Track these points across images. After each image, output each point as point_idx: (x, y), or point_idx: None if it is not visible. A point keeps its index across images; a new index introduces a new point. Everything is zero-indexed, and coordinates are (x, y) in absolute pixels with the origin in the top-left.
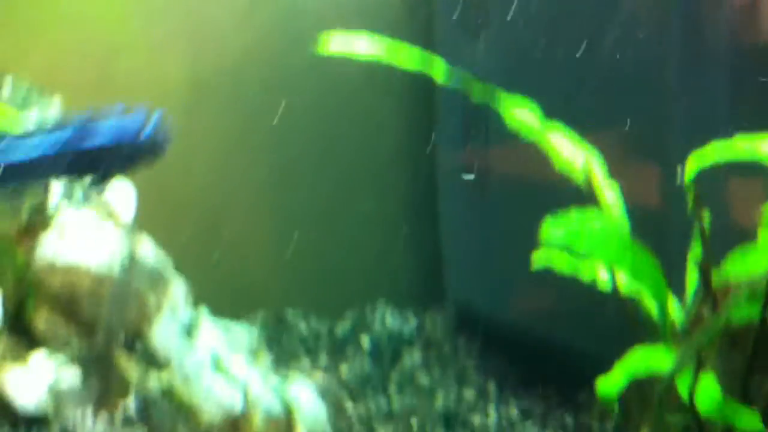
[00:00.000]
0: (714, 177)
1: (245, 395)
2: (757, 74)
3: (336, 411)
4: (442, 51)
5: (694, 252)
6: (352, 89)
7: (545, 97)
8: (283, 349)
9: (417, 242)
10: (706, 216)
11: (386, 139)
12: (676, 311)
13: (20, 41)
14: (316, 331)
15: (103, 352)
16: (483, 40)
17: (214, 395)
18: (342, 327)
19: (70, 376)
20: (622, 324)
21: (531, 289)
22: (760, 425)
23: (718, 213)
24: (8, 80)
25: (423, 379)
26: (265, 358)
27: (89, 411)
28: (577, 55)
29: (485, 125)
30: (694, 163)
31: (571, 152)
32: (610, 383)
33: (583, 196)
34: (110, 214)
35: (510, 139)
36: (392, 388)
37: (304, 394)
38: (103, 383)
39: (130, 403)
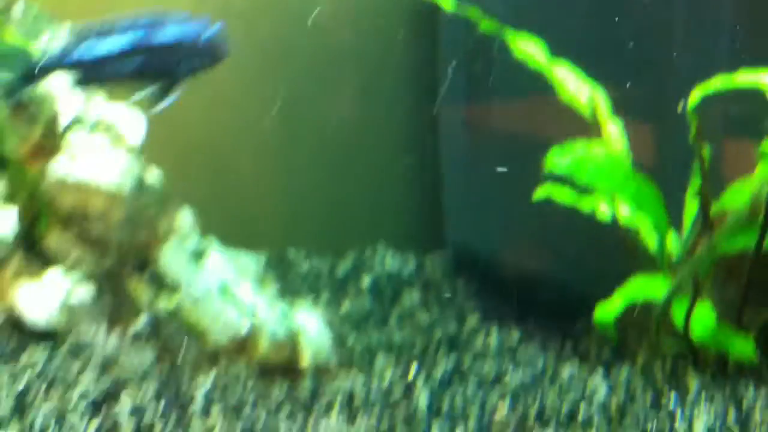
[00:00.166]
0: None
1: (252, 319)
2: (760, 9)
3: (338, 342)
4: None
5: (694, 183)
6: (358, 33)
7: (549, 32)
8: (285, 286)
9: (418, 187)
10: (706, 147)
11: (390, 88)
12: (674, 243)
13: None
14: (318, 270)
15: (114, 271)
16: None
17: (221, 318)
18: (343, 267)
19: (81, 293)
20: (616, 262)
21: (528, 231)
22: (752, 352)
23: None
24: (20, 4)
25: (422, 317)
26: (271, 287)
27: (100, 328)
28: None
29: (487, 77)
30: (698, 94)
31: (576, 86)
32: (608, 309)
33: None
34: (119, 138)
35: (509, 94)
36: (392, 324)
37: (309, 320)
38: (114, 302)
39: (141, 322)
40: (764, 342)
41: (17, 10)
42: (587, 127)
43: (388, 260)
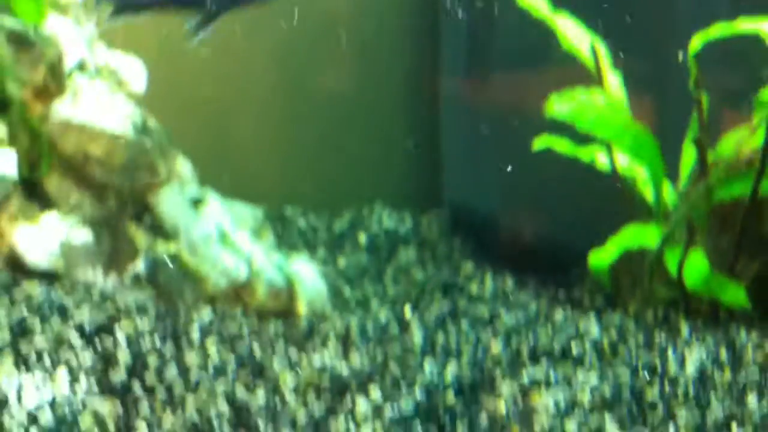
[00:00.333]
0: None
1: (249, 266)
2: None
3: (334, 294)
4: None
5: (692, 131)
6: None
7: None
8: (282, 241)
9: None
10: (704, 95)
11: (390, 47)
12: (670, 193)
13: None
14: (315, 228)
15: (114, 216)
16: None
17: (219, 264)
18: (340, 225)
19: (80, 236)
20: (611, 219)
21: (525, 191)
22: (745, 299)
23: None
24: None
25: (418, 274)
26: (269, 237)
27: (99, 270)
28: None
29: (486, 44)
30: (698, 41)
31: (577, 36)
32: (602, 255)
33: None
34: (122, 84)
35: (508, 58)
36: (388, 279)
37: (306, 270)
38: (113, 246)
39: (139, 266)
40: (756, 292)
41: None
42: None
43: (385, 219)
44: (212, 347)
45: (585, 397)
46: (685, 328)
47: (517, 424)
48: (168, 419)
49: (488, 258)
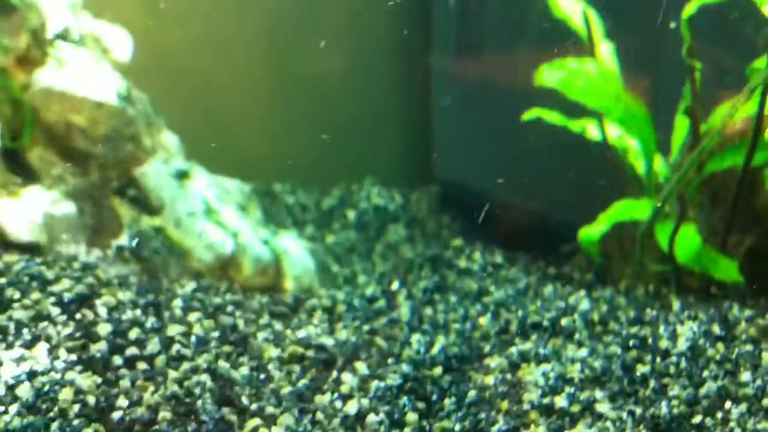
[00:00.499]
0: None
1: (235, 241)
2: None
3: (322, 270)
4: None
5: (684, 102)
6: None
7: None
8: (270, 217)
9: (407, 125)
10: (697, 63)
11: (383, 26)
12: (662, 166)
13: None
14: (304, 204)
15: (98, 188)
16: None
17: (205, 238)
18: (328, 201)
19: (63, 208)
20: (601, 196)
21: (515, 168)
22: (737, 274)
23: None
24: None
25: (408, 251)
26: (256, 213)
27: (82, 243)
28: None
29: (477, 21)
30: (693, 5)
31: (569, 4)
32: (592, 230)
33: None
34: (107, 52)
35: (497, 43)
36: (377, 256)
37: (294, 246)
38: (96, 219)
39: (123, 240)
40: (749, 267)
41: None
42: None
43: (375, 195)
44: (194, 322)
45: (575, 372)
46: (676, 303)
47: (505, 399)
48: (149, 392)
49: (478, 235)
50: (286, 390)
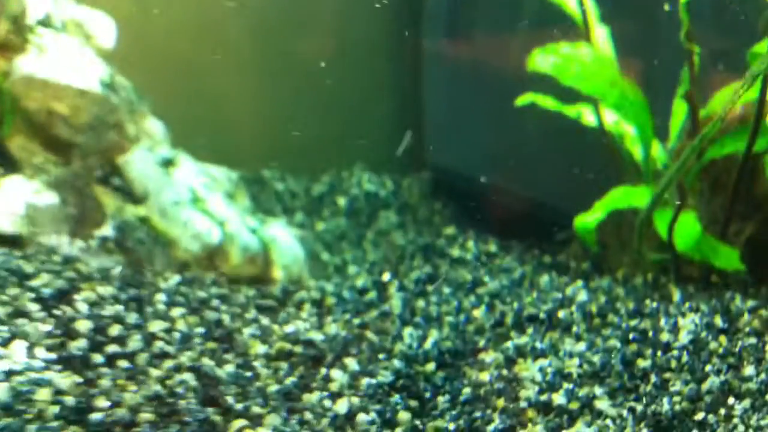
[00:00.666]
0: None
1: (223, 230)
2: None
3: (312, 259)
4: None
5: (682, 87)
6: None
7: None
8: (259, 205)
9: (398, 110)
10: (695, 48)
11: (373, 11)
12: (659, 152)
13: None
14: (293, 191)
15: (80, 177)
16: None
17: (191, 227)
18: (318, 188)
19: (45, 199)
20: (596, 183)
21: (507, 155)
22: (738, 262)
23: None
24: None
25: (399, 239)
26: (244, 201)
27: (65, 234)
28: None
29: (468, 4)
30: None
31: None
32: (589, 217)
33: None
34: (89, 39)
35: (489, 27)
36: (368, 244)
37: (283, 234)
38: (79, 209)
39: (107, 229)
40: (750, 255)
41: None
42: None
43: (365, 182)
44: (177, 317)
45: (573, 367)
46: (676, 294)
47: (501, 396)
48: (130, 392)
49: (471, 222)
50: (273, 388)
